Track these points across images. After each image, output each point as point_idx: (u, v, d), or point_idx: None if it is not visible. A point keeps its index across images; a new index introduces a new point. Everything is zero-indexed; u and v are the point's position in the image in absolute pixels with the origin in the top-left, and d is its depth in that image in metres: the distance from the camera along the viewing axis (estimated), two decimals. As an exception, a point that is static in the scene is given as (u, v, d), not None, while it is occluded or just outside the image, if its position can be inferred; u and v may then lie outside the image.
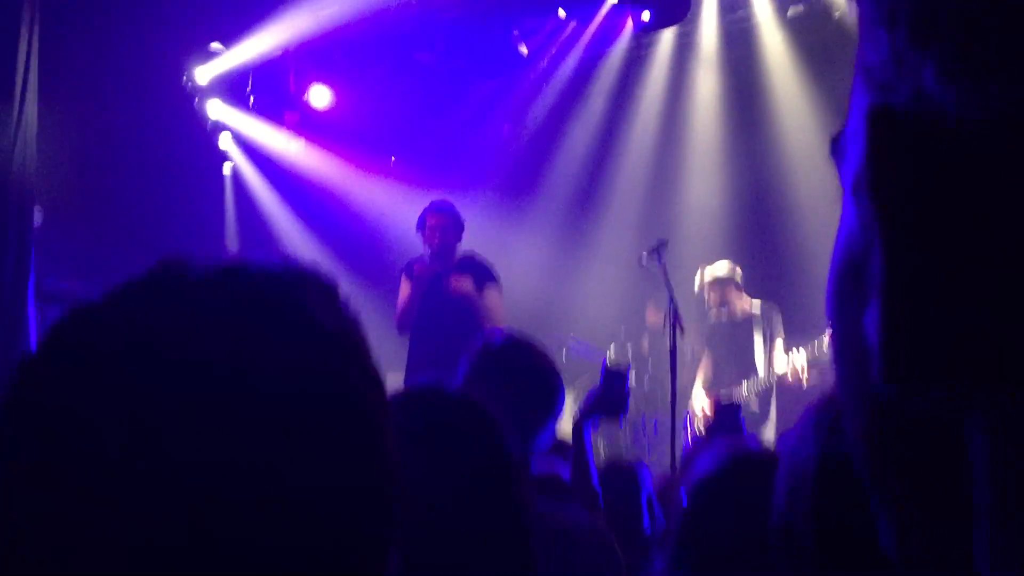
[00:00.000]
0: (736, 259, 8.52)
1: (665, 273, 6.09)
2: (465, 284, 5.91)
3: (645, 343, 9.18)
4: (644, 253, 6.17)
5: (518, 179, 9.94)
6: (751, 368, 7.04)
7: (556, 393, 2.57)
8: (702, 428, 7.10)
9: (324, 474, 0.68)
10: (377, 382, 0.77)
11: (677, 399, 6.06)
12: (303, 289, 0.75)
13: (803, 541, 0.88)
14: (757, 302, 7.19)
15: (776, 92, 8.92)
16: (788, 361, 6.79)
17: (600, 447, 8.32)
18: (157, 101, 8.63)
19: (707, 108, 9.31)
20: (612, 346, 8.94)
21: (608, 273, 9.20)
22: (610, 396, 2.94)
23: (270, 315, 0.71)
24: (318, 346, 0.71)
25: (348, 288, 0.81)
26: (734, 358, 7.12)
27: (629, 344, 8.90)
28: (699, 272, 7.35)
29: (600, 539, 2.31)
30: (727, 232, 8.88)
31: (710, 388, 7.26)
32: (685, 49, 9.15)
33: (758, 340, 7.05)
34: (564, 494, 2.67)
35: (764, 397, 7.01)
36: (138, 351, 0.66)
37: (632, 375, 8.59)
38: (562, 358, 8.96)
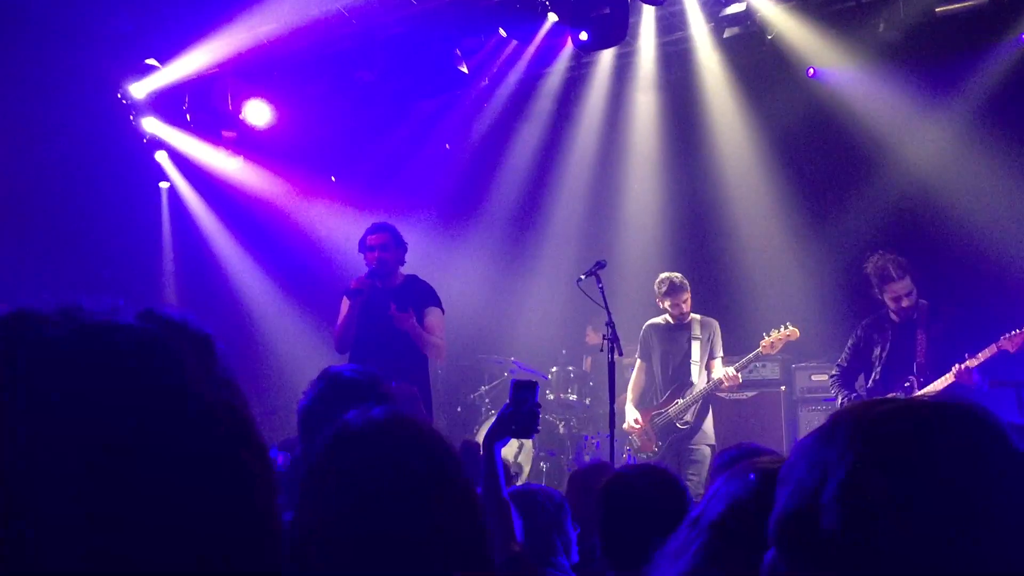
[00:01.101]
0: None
1: (603, 294, 6.13)
2: (407, 319, 5.89)
3: (587, 363, 9.22)
4: (582, 275, 6.19)
5: (459, 199, 9.93)
6: (687, 374, 7.03)
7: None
8: (636, 443, 7.12)
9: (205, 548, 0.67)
10: (261, 452, 0.75)
11: (615, 417, 6.10)
12: (175, 351, 0.72)
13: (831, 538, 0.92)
14: (698, 316, 7.20)
15: (713, 112, 9.04)
16: (724, 371, 6.85)
17: (543, 468, 8.33)
18: (91, 117, 8.47)
19: (646, 127, 9.40)
20: (554, 369, 8.95)
21: (549, 294, 9.23)
22: (521, 412, 2.93)
23: (131, 381, 0.68)
24: (195, 419, 0.69)
25: (221, 343, 0.78)
26: (672, 361, 7.09)
27: (571, 366, 8.93)
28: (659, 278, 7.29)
29: None
30: (665, 250, 8.97)
31: (642, 399, 7.25)
32: (624, 69, 9.23)
33: (696, 348, 7.04)
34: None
35: (699, 410, 7.02)
36: None
37: (574, 395, 8.68)
38: (504, 381, 8.97)
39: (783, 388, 7.84)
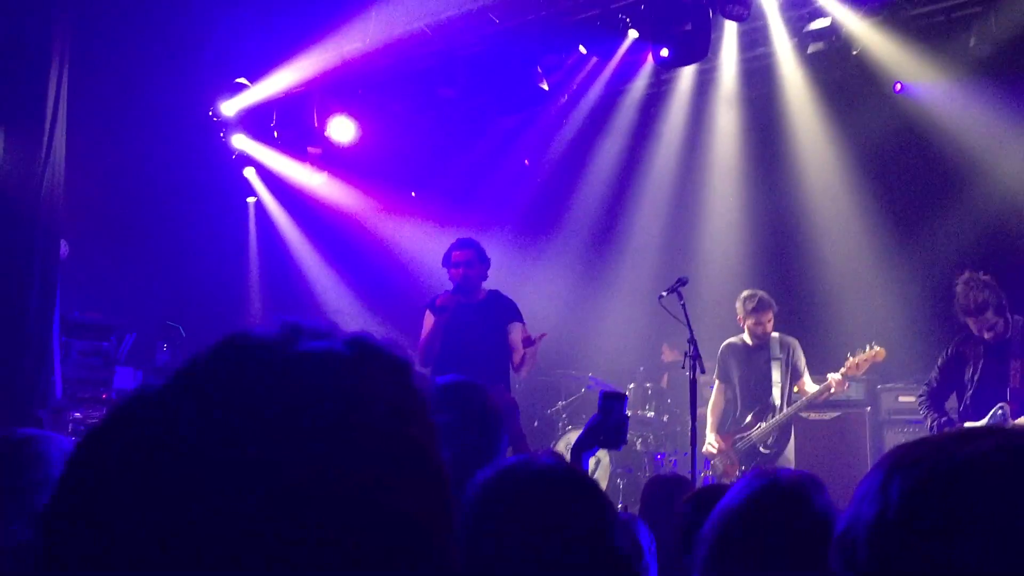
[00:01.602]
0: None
1: (685, 310, 6.10)
2: (534, 344, 6.01)
3: (664, 380, 9.16)
4: (664, 292, 6.16)
5: (537, 214, 9.98)
6: (768, 396, 6.82)
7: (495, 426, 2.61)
8: (720, 467, 6.95)
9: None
10: (442, 473, 0.76)
11: (696, 435, 6.06)
12: (374, 375, 0.74)
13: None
14: (776, 334, 6.99)
15: (796, 128, 8.93)
16: (829, 378, 6.52)
17: (619, 485, 8.28)
18: (183, 134, 8.76)
19: (727, 144, 9.32)
20: (632, 385, 8.91)
21: (627, 310, 9.20)
22: (608, 424, 2.91)
23: (342, 407, 0.70)
24: (392, 438, 0.72)
25: (414, 365, 0.80)
26: (752, 382, 6.88)
27: (648, 383, 8.87)
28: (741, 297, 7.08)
29: None
30: (746, 268, 8.86)
31: (722, 422, 7.03)
32: (705, 85, 9.18)
33: (776, 369, 6.85)
34: None
35: (781, 433, 6.82)
36: (195, 447, 0.66)
37: (652, 412, 8.62)
38: (582, 397, 8.96)
39: (868, 409, 7.66)
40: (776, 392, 6.79)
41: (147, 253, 8.53)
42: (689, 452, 6.53)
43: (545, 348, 8.78)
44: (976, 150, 7.88)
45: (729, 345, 7.01)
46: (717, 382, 7.07)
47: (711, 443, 6.96)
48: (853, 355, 6.58)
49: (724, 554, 1.63)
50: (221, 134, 9.04)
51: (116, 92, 8.15)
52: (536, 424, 9.03)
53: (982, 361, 5.76)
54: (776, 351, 6.85)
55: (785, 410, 6.74)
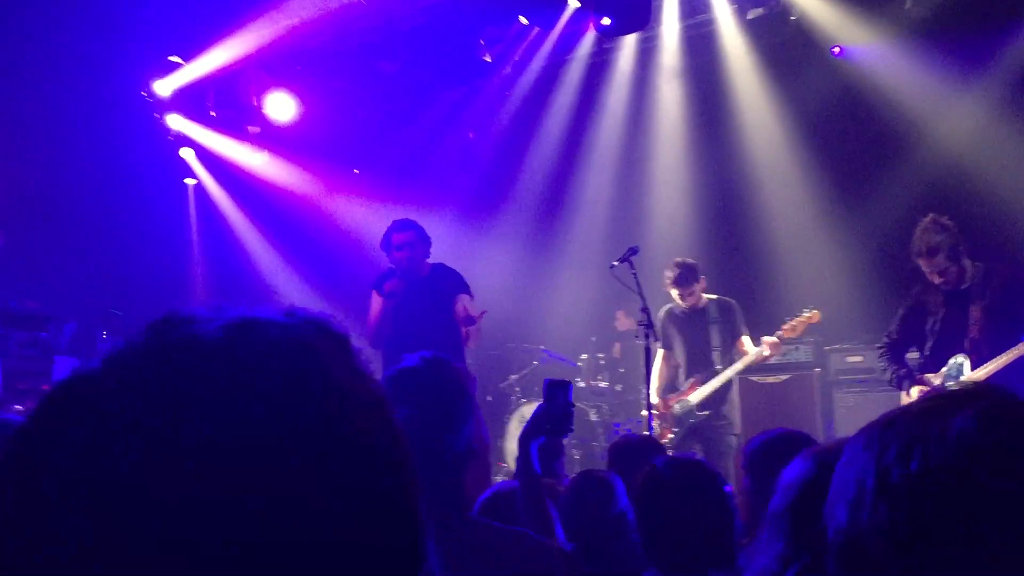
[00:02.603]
0: (703, 261, 8.56)
1: (636, 280, 6.11)
2: (471, 322, 5.97)
3: (617, 349, 9.20)
4: (615, 262, 6.16)
5: (485, 188, 9.91)
6: (708, 360, 6.72)
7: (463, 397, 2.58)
8: (657, 429, 6.76)
9: (353, 540, 0.65)
10: (398, 437, 0.73)
11: (651, 403, 6.10)
12: (316, 347, 0.71)
13: (876, 556, 0.86)
14: (714, 297, 6.87)
15: (738, 95, 8.98)
16: (764, 342, 6.46)
17: (575, 456, 8.32)
18: (117, 116, 8.51)
19: (671, 112, 9.34)
20: (584, 356, 8.94)
21: (577, 281, 9.20)
22: (554, 412, 2.90)
23: (285, 378, 0.66)
24: (341, 408, 0.68)
25: (357, 338, 0.77)
26: (691, 347, 6.74)
27: (600, 354, 8.91)
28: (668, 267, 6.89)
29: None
30: (694, 235, 8.91)
31: (668, 389, 6.92)
32: (648, 54, 9.18)
33: (714, 333, 6.76)
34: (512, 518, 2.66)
35: (717, 396, 6.67)
36: (137, 426, 0.62)
37: (605, 382, 8.66)
38: (534, 370, 8.97)
39: (817, 370, 7.77)
40: (716, 356, 6.72)
41: (84, 240, 8.30)
42: (644, 421, 6.59)
43: (496, 322, 8.75)
44: (915, 111, 7.99)
45: (667, 312, 6.88)
46: (661, 350, 6.97)
47: (654, 405, 6.82)
48: (790, 319, 6.57)
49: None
50: (156, 114, 8.79)
51: (43, 74, 7.88)
52: (489, 398, 9.02)
53: (943, 311, 5.55)
54: (714, 314, 6.77)
55: (723, 374, 6.66)
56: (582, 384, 8.78)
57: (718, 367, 6.70)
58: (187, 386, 0.64)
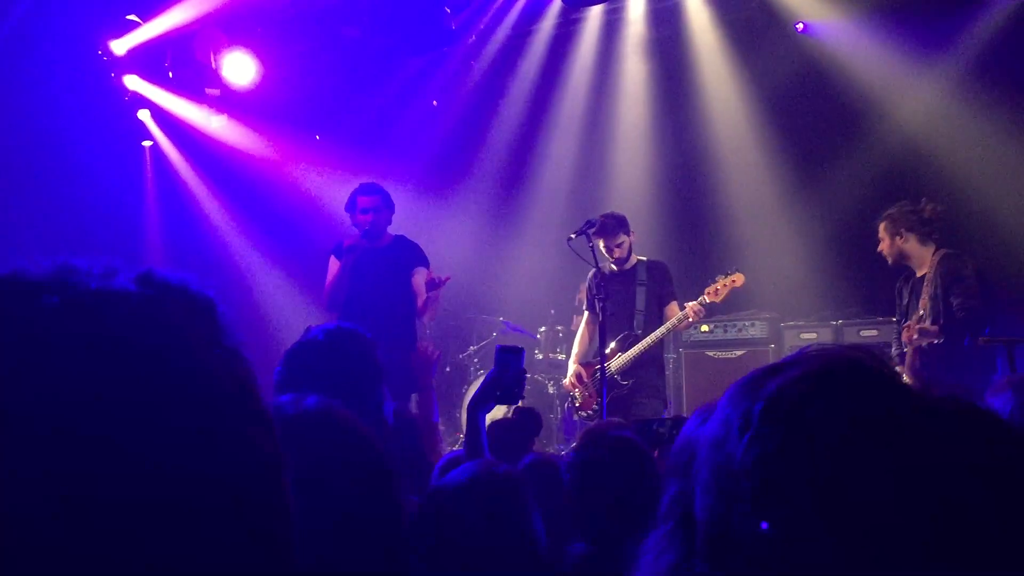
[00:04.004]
0: (664, 235, 8.59)
1: (594, 253, 6.10)
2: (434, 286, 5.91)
3: (576, 322, 9.19)
4: (572, 235, 6.13)
5: (447, 158, 9.83)
6: (631, 324, 6.34)
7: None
8: (578, 400, 6.62)
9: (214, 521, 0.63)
10: (263, 417, 0.70)
11: (605, 376, 6.08)
12: (166, 316, 0.67)
13: (745, 545, 0.82)
14: (644, 258, 6.53)
15: (702, 68, 8.97)
16: (688, 307, 6.18)
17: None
18: (71, 75, 8.31)
19: (635, 85, 9.32)
20: (543, 328, 8.94)
21: (538, 253, 9.18)
22: (505, 379, 2.87)
23: (124, 351, 0.63)
24: (196, 394, 0.64)
25: (225, 307, 0.73)
26: (615, 310, 6.28)
27: (559, 326, 8.91)
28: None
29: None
30: (654, 209, 8.92)
31: (588, 351, 6.65)
32: (613, 25, 9.14)
33: (640, 296, 6.39)
34: None
35: (641, 365, 6.31)
36: None
37: (563, 354, 8.65)
38: (493, 341, 8.96)
39: (771, 346, 7.83)
40: (639, 319, 6.36)
41: (37, 202, 8.13)
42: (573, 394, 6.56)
43: (456, 292, 8.73)
44: (877, 89, 8.03)
45: (593, 272, 6.37)
46: (586, 312, 6.74)
47: (571, 376, 6.65)
48: (713, 281, 6.32)
49: None
50: (112, 74, 8.60)
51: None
52: (448, 369, 9.01)
53: (909, 296, 5.98)
54: (642, 276, 6.42)
55: (644, 340, 6.29)
56: (540, 356, 8.78)
57: (638, 331, 6.33)
58: (18, 360, 0.61)
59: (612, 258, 6.41)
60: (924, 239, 5.81)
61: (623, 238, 6.37)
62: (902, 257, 5.88)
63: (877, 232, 5.97)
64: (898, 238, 5.83)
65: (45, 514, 0.58)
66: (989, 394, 1.55)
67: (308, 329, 2.52)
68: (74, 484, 0.59)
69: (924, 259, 5.81)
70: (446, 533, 1.95)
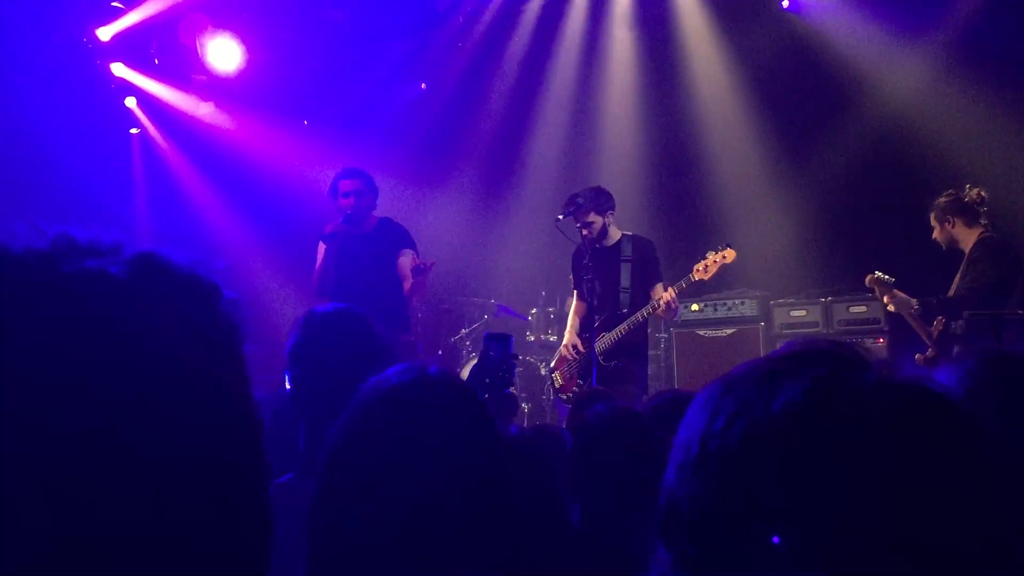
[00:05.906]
0: (652, 212, 8.59)
1: (581, 233, 6.10)
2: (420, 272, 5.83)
3: (569, 303, 9.20)
4: (560, 215, 6.12)
5: (437, 140, 9.80)
6: (615, 303, 6.13)
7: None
8: (559, 381, 6.50)
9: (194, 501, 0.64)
10: (244, 413, 0.70)
11: (596, 357, 6.08)
12: (156, 300, 0.67)
13: (685, 526, 0.82)
14: (629, 233, 6.29)
15: (690, 45, 8.96)
16: (662, 294, 5.92)
17: (525, 409, 8.37)
18: (57, 63, 8.26)
19: (623, 64, 9.30)
20: (534, 310, 8.94)
21: (529, 235, 9.18)
22: (492, 366, 2.89)
23: (108, 337, 0.63)
24: (173, 386, 0.65)
25: (228, 293, 0.73)
26: (599, 288, 6.06)
27: (551, 308, 8.91)
28: None
29: None
30: (643, 188, 8.91)
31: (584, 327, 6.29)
32: (600, 3, 9.12)
33: (625, 273, 6.14)
34: None
35: (624, 347, 6.10)
36: None
37: (554, 336, 8.67)
38: (485, 324, 8.97)
39: (762, 325, 7.85)
40: (624, 297, 6.12)
41: (24, 192, 8.10)
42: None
43: (447, 275, 8.74)
44: (862, 66, 8.02)
45: (577, 249, 6.28)
46: (575, 292, 6.55)
47: (569, 349, 6.38)
48: (704, 258, 6.12)
49: None
50: (98, 61, 8.55)
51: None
52: (440, 352, 9.02)
53: None
54: (626, 252, 6.17)
55: (624, 322, 6.06)
56: (532, 338, 8.80)
57: (623, 310, 6.11)
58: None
59: (585, 237, 6.11)
60: (971, 223, 5.89)
61: (593, 217, 6.05)
62: (953, 242, 5.96)
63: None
64: (947, 224, 5.94)
65: (22, 494, 0.59)
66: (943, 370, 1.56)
67: (308, 312, 2.55)
68: (45, 469, 0.59)
69: (969, 242, 5.89)
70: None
